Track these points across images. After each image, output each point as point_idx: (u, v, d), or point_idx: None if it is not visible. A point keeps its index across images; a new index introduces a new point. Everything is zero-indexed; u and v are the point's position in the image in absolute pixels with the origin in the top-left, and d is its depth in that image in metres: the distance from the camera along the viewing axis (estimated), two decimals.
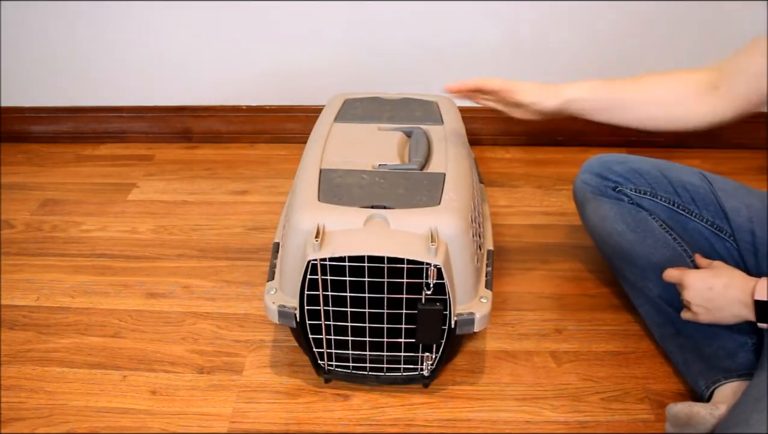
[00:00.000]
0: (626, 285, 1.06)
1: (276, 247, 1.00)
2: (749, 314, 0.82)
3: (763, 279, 0.81)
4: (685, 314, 0.89)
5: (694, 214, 0.99)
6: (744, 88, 0.85)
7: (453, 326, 0.88)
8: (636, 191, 1.01)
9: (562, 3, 1.47)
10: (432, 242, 0.83)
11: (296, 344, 1.01)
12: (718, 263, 0.90)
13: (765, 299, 0.80)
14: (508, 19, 1.50)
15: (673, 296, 0.97)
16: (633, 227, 1.01)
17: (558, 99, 0.94)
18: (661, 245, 0.99)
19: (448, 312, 0.87)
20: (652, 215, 1.00)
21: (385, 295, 0.86)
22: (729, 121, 0.88)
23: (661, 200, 1.00)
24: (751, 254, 0.95)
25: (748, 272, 0.96)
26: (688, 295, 0.87)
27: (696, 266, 0.96)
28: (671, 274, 0.90)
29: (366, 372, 0.95)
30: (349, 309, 0.88)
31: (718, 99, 0.87)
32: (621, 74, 0.96)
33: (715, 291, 0.85)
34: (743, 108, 0.86)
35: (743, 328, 0.92)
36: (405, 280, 0.85)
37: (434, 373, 0.94)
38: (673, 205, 1.00)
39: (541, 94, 0.95)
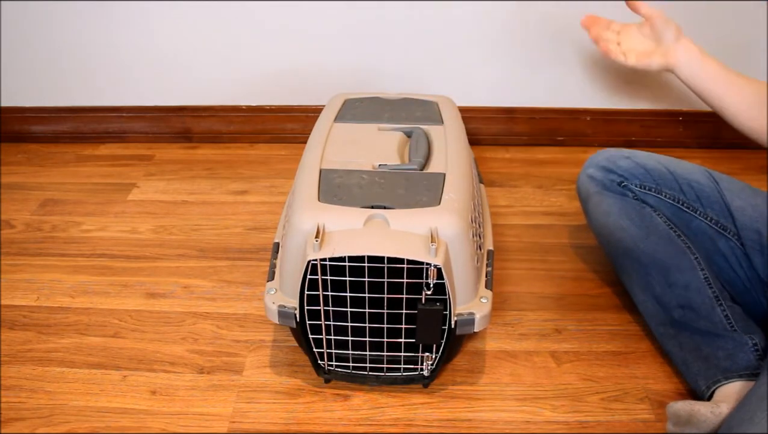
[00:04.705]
0: (628, 282, 1.06)
1: (276, 247, 1.00)
2: None
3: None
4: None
5: (698, 212, 0.99)
6: None
7: (453, 326, 0.88)
8: (641, 187, 1.01)
9: (564, 4, 1.47)
10: (432, 242, 0.83)
11: (296, 344, 1.01)
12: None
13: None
14: (510, 20, 1.50)
15: (675, 295, 0.97)
16: (637, 222, 1.00)
17: (666, 59, 1.00)
18: (666, 242, 0.98)
19: (448, 312, 0.87)
20: (656, 211, 1.00)
21: (385, 295, 0.86)
22: None
23: (665, 197, 1.00)
24: (757, 252, 0.95)
25: (756, 271, 0.96)
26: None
27: (703, 267, 0.96)
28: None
29: (366, 372, 0.95)
30: (349, 309, 0.88)
31: None
32: None
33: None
34: None
35: (744, 328, 0.92)
36: (405, 280, 0.85)
37: (434, 373, 0.94)
38: (678, 202, 1.00)
39: (662, 53, 1.00)
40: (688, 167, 1.02)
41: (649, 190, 1.01)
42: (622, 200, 1.02)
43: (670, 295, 0.97)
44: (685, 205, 0.99)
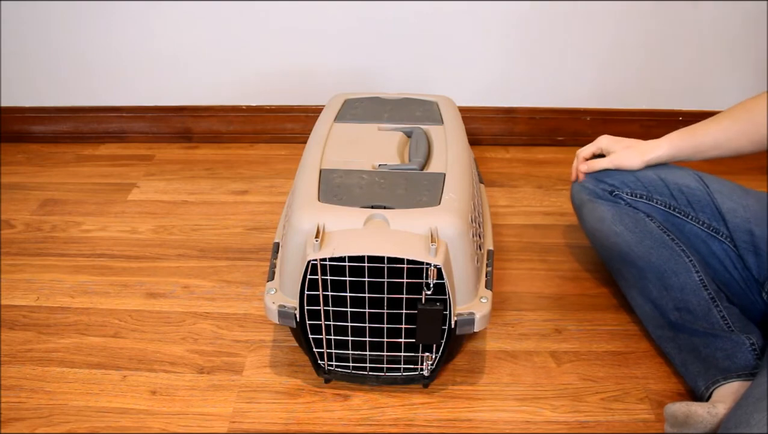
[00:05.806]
0: (624, 286, 1.06)
1: (276, 247, 1.00)
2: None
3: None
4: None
5: (690, 217, 0.99)
6: None
7: (453, 326, 0.88)
8: (632, 195, 1.01)
9: (565, 4, 1.47)
10: (432, 242, 0.83)
11: (296, 344, 1.01)
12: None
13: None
14: (510, 20, 1.50)
15: (672, 297, 0.97)
16: (631, 228, 1.01)
17: (640, 160, 1.02)
18: (660, 246, 0.99)
19: (448, 312, 0.87)
20: (649, 216, 1.01)
21: (385, 295, 0.86)
22: None
23: (657, 203, 1.01)
24: (751, 253, 0.95)
25: (750, 271, 0.96)
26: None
27: (698, 269, 0.96)
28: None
29: (366, 372, 0.95)
30: (349, 309, 0.88)
31: None
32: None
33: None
34: None
35: (742, 329, 0.92)
36: (405, 280, 0.85)
37: (434, 373, 0.94)
38: (670, 208, 1.00)
39: (624, 156, 1.04)
40: (679, 171, 1.03)
41: (641, 197, 1.01)
42: (615, 206, 1.02)
43: (667, 298, 0.97)
44: (676, 210, 1.00)
